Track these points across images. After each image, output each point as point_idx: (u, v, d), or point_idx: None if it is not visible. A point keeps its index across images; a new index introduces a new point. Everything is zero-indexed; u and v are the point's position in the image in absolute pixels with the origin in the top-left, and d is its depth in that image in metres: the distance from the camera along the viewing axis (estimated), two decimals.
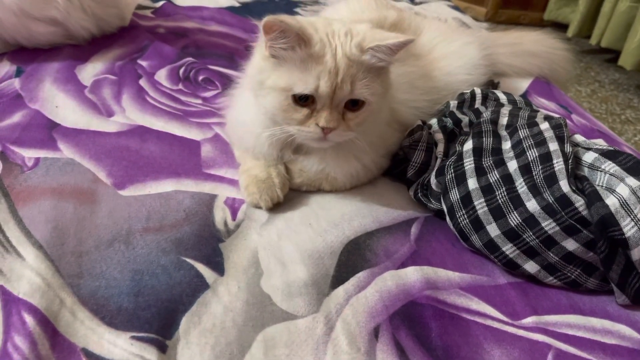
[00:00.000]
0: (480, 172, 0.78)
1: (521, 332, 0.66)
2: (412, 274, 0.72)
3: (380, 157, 0.90)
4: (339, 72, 0.72)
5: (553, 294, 0.73)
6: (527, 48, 1.33)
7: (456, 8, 1.87)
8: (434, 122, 0.94)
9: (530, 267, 0.72)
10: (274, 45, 0.73)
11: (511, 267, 0.73)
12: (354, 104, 0.76)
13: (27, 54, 1.17)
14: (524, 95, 1.23)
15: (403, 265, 0.73)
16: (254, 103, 0.82)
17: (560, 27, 2.98)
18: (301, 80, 0.72)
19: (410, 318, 0.66)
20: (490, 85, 1.17)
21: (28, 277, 0.64)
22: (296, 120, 0.75)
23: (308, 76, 0.72)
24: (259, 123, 0.83)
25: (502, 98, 1.01)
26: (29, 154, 0.86)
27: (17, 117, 0.95)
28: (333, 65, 0.72)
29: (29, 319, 0.59)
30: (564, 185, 0.70)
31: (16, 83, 1.06)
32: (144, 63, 1.19)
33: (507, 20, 3.13)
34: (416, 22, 1.15)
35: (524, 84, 1.29)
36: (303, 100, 0.74)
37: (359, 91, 0.74)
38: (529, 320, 0.68)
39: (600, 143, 0.85)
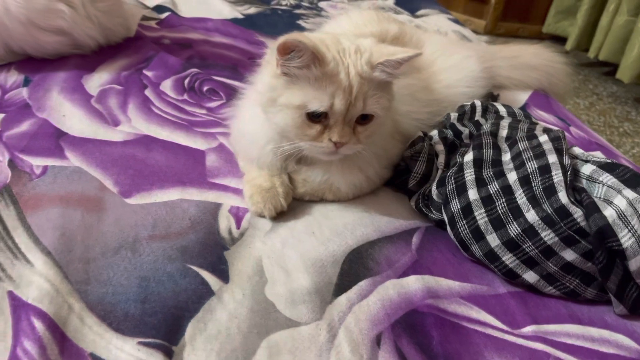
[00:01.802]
0: (480, 183, 0.79)
1: (521, 341, 0.67)
2: (414, 283, 0.73)
3: (383, 168, 0.91)
4: (353, 90, 0.74)
5: (552, 303, 0.74)
6: (526, 61, 1.35)
7: (456, 21, 1.90)
8: (434, 133, 0.96)
9: (530, 276, 0.73)
10: (288, 64, 0.74)
11: (511, 276, 0.75)
12: (364, 118, 0.78)
13: (34, 64, 1.19)
14: (523, 108, 1.25)
15: (405, 274, 0.75)
16: (258, 115, 0.83)
17: (558, 40, 3.01)
18: (316, 99, 0.74)
19: (412, 326, 0.67)
20: (490, 97, 1.19)
21: (37, 282, 0.66)
22: (309, 137, 0.77)
23: (323, 94, 0.74)
24: (264, 135, 0.84)
25: (502, 110, 1.03)
26: (37, 162, 0.88)
27: (25, 126, 0.97)
28: (347, 84, 0.74)
29: (38, 324, 0.60)
30: (563, 196, 0.72)
31: (24, 92, 1.08)
32: (149, 73, 1.21)
33: (505, 33, 3.17)
34: (417, 36, 1.17)
35: (523, 97, 1.31)
36: (316, 117, 0.76)
37: (370, 107, 0.77)
38: (529, 329, 0.69)
39: (598, 155, 0.87)
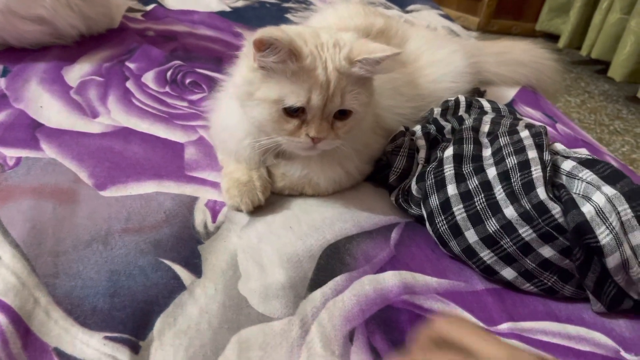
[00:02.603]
0: (459, 178, 0.78)
1: None
2: (390, 279, 0.72)
3: (364, 164, 0.90)
4: (330, 85, 0.73)
5: (530, 300, 0.73)
6: (515, 57, 1.34)
7: (446, 16, 1.89)
8: (417, 128, 0.95)
9: (508, 273, 0.72)
10: (264, 59, 0.72)
11: (489, 273, 0.74)
12: (342, 113, 0.77)
13: (14, 54, 1.17)
14: (510, 104, 1.24)
15: (382, 269, 0.74)
16: (236, 108, 0.82)
17: (551, 37, 3.01)
18: (293, 93, 0.73)
19: (386, 322, 0.66)
20: (477, 93, 1.18)
21: (3, 275, 0.64)
22: (286, 131, 0.76)
23: (300, 89, 0.73)
24: (242, 128, 0.83)
25: (486, 106, 1.02)
26: (10, 154, 0.86)
27: (0, 117, 0.95)
28: (324, 79, 0.73)
29: (1, 318, 0.59)
30: (541, 192, 0.71)
31: (1, 82, 1.06)
32: (131, 65, 1.19)
33: (499, 30, 3.16)
34: (403, 30, 1.16)
35: (510, 93, 1.30)
36: (293, 112, 0.74)
37: (348, 102, 0.75)
38: (505, 326, 0.68)
39: (582, 152, 0.86)
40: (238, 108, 0.81)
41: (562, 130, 1.19)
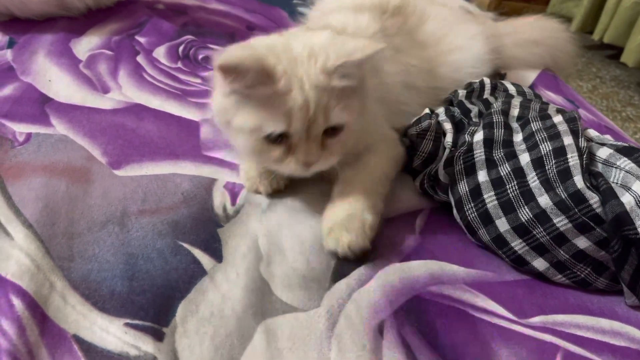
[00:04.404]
0: (490, 164, 0.75)
1: (529, 332, 0.64)
2: (417, 268, 0.69)
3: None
4: (310, 106, 0.65)
5: (560, 292, 0.70)
6: (528, 37, 1.29)
7: None
8: (440, 111, 0.91)
9: (539, 264, 0.70)
10: (233, 85, 0.65)
11: (519, 263, 0.71)
12: (333, 129, 0.69)
13: (20, 25, 1.13)
14: (531, 88, 1.20)
15: (407, 258, 0.71)
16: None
17: (563, 21, 2.95)
18: (270, 120, 0.65)
19: (415, 314, 0.63)
20: (497, 76, 1.14)
21: (17, 257, 0.61)
22: (273, 159, 0.69)
23: (276, 115, 0.65)
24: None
25: (511, 89, 0.98)
26: (20, 129, 0.82)
27: (8, 90, 0.91)
28: (302, 100, 0.65)
29: (17, 302, 0.56)
30: (579, 181, 0.68)
31: (8, 54, 1.02)
32: (141, 39, 1.15)
33: (510, 12, 3.07)
34: (421, 7, 1.11)
35: (530, 76, 1.27)
36: (276, 139, 0.67)
37: (335, 119, 0.67)
38: (537, 319, 0.66)
39: (611, 139, 0.83)
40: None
41: (585, 116, 1.16)
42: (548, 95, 1.21)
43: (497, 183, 0.73)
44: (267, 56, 0.65)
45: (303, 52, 0.67)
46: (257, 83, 0.64)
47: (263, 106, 0.65)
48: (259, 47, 0.69)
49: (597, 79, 2.55)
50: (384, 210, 0.75)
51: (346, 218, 0.69)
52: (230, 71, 0.63)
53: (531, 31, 1.31)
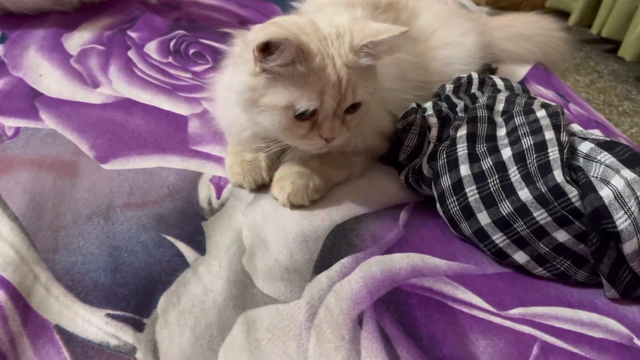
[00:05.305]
0: (473, 158, 0.76)
1: (507, 323, 0.64)
2: (398, 261, 0.70)
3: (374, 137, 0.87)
4: (342, 84, 0.68)
5: (541, 285, 0.71)
6: (519, 31, 1.29)
7: None
8: (428, 105, 0.92)
9: (520, 257, 0.71)
10: (269, 63, 0.66)
11: (500, 256, 0.72)
12: (353, 106, 0.72)
13: (13, 20, 1.14)
14: (522, 83, 1.21)
15: (389, 251, 0.72)
16: (233, 103, 0.75)
17: (561, 15, 2.93)
18: (304, 98, 0.67)
19: (395, 305, 0.64)
20: (488, 70, 1.14)
21: (1, 249, 0.62)
22: (298, 136, 0.71)
23: (311, 92, 0.67)
24: (241, 122, 0.78)
25: (499, 84, 0.98)
26: (9, 123, 0.83)
27: None
28: (336, 78, 0.67)
29: (0, 293, 0.57)
30: (558, 175, 0.68)
31: (0, 50, 1.02)
32: (133, 34, 1.16)
33: (508, 7, 3.08)
34: (413, 3, 1.11)
35: (522, 71, 1.27)
36: (304, 115, 0.69)
37: (360, 96, 0.71)
38: (516, 311, 0.66)
39: (597, 134, 0.83)
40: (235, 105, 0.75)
41: (575, 110, 1.16)
42: (539, 89, 1.21)
43: (479, 177, 0.74)
44: (302, 35, 0.67)
45: (331, 32, 0.69)
46: (294, 59, 0.65)
47: (297, 84, 0.67)
48: (288, 25, 0.70)
49: (595, 73, 2.54)
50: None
51: (296, 174, 0.76)
52: (270, 48, 0.64)
53: (523, 26, 1.30)
